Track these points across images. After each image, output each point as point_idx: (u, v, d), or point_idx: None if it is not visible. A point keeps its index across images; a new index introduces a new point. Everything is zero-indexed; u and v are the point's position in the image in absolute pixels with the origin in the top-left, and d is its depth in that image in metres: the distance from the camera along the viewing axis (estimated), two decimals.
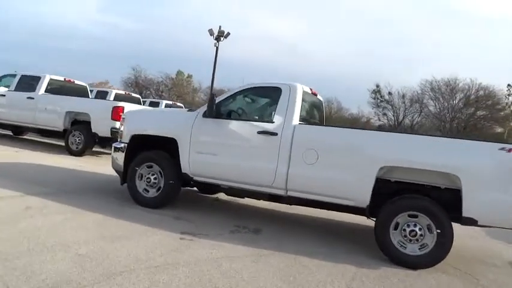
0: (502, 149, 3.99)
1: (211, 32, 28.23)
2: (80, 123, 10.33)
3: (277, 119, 4.91)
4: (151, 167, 5.54)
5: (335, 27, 68.54)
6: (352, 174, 4.44)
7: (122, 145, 5.73)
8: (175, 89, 45.83)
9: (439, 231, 4.15)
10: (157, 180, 5.49)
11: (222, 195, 6.63)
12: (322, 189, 4.62)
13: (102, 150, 11.48)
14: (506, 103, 35.87)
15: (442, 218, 4.16)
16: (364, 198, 4.43)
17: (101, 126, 9.82)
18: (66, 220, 4.55)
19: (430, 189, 4.50)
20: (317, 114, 6.02)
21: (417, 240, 4.25)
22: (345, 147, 4.55)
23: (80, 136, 10.18)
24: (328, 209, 5.09)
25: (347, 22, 69.48)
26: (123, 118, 5.90)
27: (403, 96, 40.42)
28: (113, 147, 5.92)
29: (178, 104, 19.32)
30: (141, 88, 44.92)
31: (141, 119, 5.94)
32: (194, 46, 68.86)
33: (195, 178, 5.35)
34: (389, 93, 41.84)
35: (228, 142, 5.10)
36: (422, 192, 4.51)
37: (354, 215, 5.03)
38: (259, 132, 4.91)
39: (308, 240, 4.89)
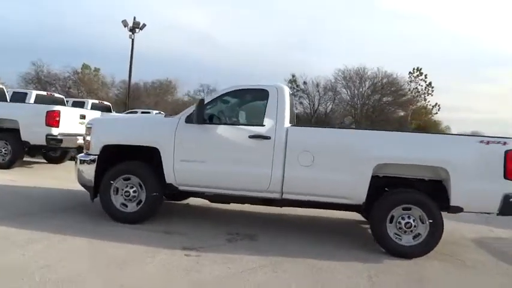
0: (481, 141, 4.44)
1: (125, 23, 26.62)
2: (3, 131, 9.07)
3: (267, 122, 4.85)
4: (128, 179, 5.11)
5: (249, 18, 69.22)
6: (349, 173, 4.59)
7: (91, 157, 5.18)
8: (83, 85, 42.48)
9: (431, 221, 4.50)
10: (137, 194, 5.09)
11: (191, 200, 6.42)
12: (319, 190, 4.70)
13: (31, 159, 10.28)
14: (409, 89, 39.80)
15: (433, 209, 4.51)
16: (361, 196, 4.61)
17: (33, 134, 8.76)
18: (49, 249, 4.01)
19: (415, 181, 4.84)
20: (292, 113, 6.06)
21: (411, 231, 4.56)
22: (340, 147, 4.67)
23: (5, 146, 8.96)
24: (323, 208, 5.20)
25: (261, 13, 70.57)
26: (89, 127, 5.32)
27: (318, 85, 42.50)
28: (78, 160, 5.33)
29: (105, 102, 17.93)
30: (44, 84, 40.79)
31: (113, 127, 5.42)
32: (103, 38, 64.26)
33: (181, 188, 5.07)
34: (305, 82, 43.63)
35: (217, 148, 4.90)
36: (407, 185, 4.84)
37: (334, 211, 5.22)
38: (250, 137, 4.80)
39: (306, 240, 4.96)
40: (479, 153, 4.45)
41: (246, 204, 5.69)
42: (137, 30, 26.98)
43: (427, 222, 4.52)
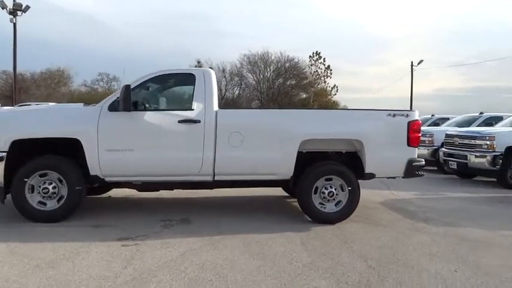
0: (389, 115, 5.04)
1: (3, 4, 23.57)
2: None
3: (196, 106, 4.87)
4: (45, 175, 4.74)
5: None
6: (277, 151, 4.85)
7: None
8: None
9: (350, 188, 5.00)
10: (56, 190, 4.75)
11: (113, 192, 6.19)
12: (250, 169, 4.90)
13: None
14: (310, 72, 42.23)
15: (351, 178, 5.01)
16: (288, 171, 4.92)
17: None
18: None
19: (334, 154, 5.31)
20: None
21: (334, 199, 5.02)
22: (268, 127, 4.90)
23: None
24: (253, 187, 5.42)
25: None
26: None
27: (224, 70, 42.81)
28: None
29: None
30: None
31: (22, 120, 4.92)
32: None
33: (107, 179, 4.86)
34: (211, 67, 43.57)
35: (146, 135, 4.79)
36: (328, 158, 5.30)
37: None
38: (180, 121, 4.78)
39: (239, 219, 5.15)
40: (388, 125, 5.04)
41: (176, 191, 5.67)
42: (19, 13, 24.01)
43: (347, 190, 5.01)
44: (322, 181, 5.02)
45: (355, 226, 4.93)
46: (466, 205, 6.52)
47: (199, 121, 4.80)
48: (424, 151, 11.27)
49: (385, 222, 5.18)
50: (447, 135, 10.09)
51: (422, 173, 5.21)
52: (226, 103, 42.18)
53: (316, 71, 42.47)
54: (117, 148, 4.74)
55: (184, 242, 4.15)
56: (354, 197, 5.01)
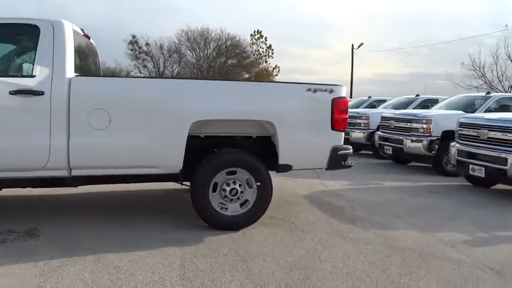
0: (309, 90, 3.90)
1: None
2: None
3: (40, 71, 3.41)
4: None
5: None
6: (158, 135, 3.56)
7: None
8: None
9: (259, 184, 3.85)
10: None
11: None
12: (122, 160, 3.57)
13: None
14: (251, 51, 40.84)
15: (261, 170, 3.86)
16: (176, 162, 3.65)
17: None
18: None
19: (241, 140, 4.12)
20: (93, 65, 4.65)
21: (238, 198, 3.85)
22: (145, 102, 3.56)
23: None
24: (129, 182, 4.09)
25: None
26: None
27: (161, 46, 40.21)
28: None
29: None
30: None
31: None
32: None
33: None
34: (147, 44, 40.74)
35: None
36: (233, 144, 4.11)
37: None
38: (13, 92, 3.31)
39: (106, 225, 3.83)
40: (307, 103, 3.90)
41: (31, 189, 4.21)
42: None
43: (255, 186, 3.86)
44: (223, 175, 3.82)
45: (265, 233, 3.81)
46: (400, 196, 5.69)
47: (42, 92, 3.35)
48: (360, 134, 10.58)
49: (304, 225, 4.11)
50: (383, 118, 9.35)
51: (351, 164, 4.18)
52: None
53: (258, 50, 41.22)
54: None
55: (11, 270, 2.78)
56: (264, 195, 3.88)
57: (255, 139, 4.14)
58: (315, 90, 3.90)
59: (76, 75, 3.54)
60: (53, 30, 3.51)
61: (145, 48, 40.90)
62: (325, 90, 3.94)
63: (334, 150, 4.00)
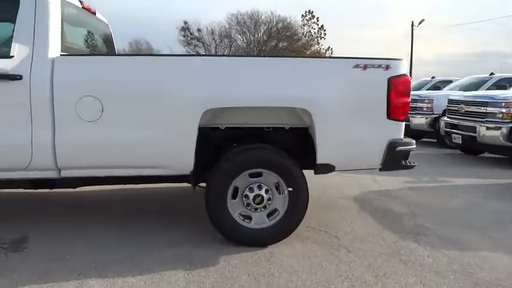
0: (356, 66, 2.95)
1: None
2: None
3: (18, 50, 2.79)
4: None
5: None
6: (162, 128, 2.82)
7: None
8: None
9: (290, 189, 3.01)
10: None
11: None
12: (117, 158, 2.88)
13: None
14: (302, 33, 39.28)
15: (293, 171, 3.01)
16: (184, 162, 2.90)
17: None
18: None
19: (271, 132, 3.28)
20: (100, 44, 4.01)
21: (264, 207, 3.04)
22: (144, 86, 2.82)
23: None
24: (132, 183, 3.44)
25: None
26: None
27: (212, 32, 39.93)
28: None
29: None
30: None
31: None
32: None
33: None
34: (199, 29, 40.70)
35: None
36: (260, 138, 3.29)
37: None
38: None
39: (99, 237, 3.19)
40: (355, 83, 2.96)
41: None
42: None
43: (286, 192, 3.03)
44: (245, 178, 3.02)
45: (299, 252, 2.99)
46: (478, 200, 4.56)
47: (19, 77, 2.73)
48: (422, 120, 9.28)
49: (351, 242, 3.22)
50: (450, 101, 7.99)
51: (413, 163, 3.20)
52: None
53: (309, 31, 39.52)
54: None
55: None
56: (297, 203, 3.03)
57: (288, 131, 3.28)
58: (364, 67, 2.95)
59: (61, 54, 2.88)
60: (35, 1, 2.86)
61: (196, 34, 40.89)
62: (379, 67, 2.97)
63: (391, 146, 3.03)
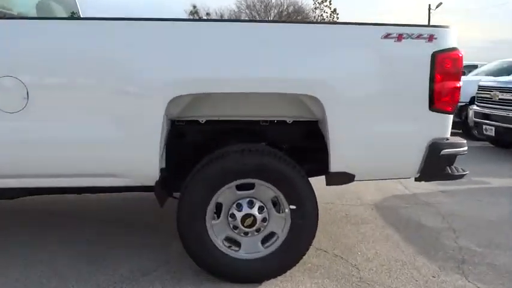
0: (387, 36, 2.08)
1: None
2: None
3: None
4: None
5: None
6: (111, 121, 2.00)
7: None
8: None
9: (293, 207, 2.18)
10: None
11: None
12: (49, 162, 2.07)
13: None
14: (314, 17, 37.86)
15: (297, 183, 2.17)
16: (146, 169, 2.09)
17: None
18: None
19: (269, 127, 2.45)
20: (57, 10, 3.19)
21: (258, 230, 2.22)
22: (86, 63, 2.00)
23: None
24: (82, 193, 2.64)
25: None
26: None
27: (221, 16, 38.86)
28: None
29: None
30: None
31: None
32: None
33: None
34: (208, 13, 39.73)
35: None
36: (254, 135, 2.46)
37: None
38: None
39: (72, 258, 2.42)
40: (384, 60, 2.10)
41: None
42: None
43: (287, 210, 2.20)
44: (231, 191, 2.19)
45: (303, 285, 2.18)
46: None
47: None
48: None
49: (373, 272, 2.40)
50: (481, 88, 7.02)
51: (463, 171, 2.35)
52: None
53: (321, 15, 38.08)
54: None
55: None
56: (302, 226, 2.20)
57: (291, 126, 2.44)
58: (399, 37, 2.08)
59: None
60: None
61: (205, 18, 39.95)
62: (420, 37, 2.10)
63: (434, 148, 2.18)
